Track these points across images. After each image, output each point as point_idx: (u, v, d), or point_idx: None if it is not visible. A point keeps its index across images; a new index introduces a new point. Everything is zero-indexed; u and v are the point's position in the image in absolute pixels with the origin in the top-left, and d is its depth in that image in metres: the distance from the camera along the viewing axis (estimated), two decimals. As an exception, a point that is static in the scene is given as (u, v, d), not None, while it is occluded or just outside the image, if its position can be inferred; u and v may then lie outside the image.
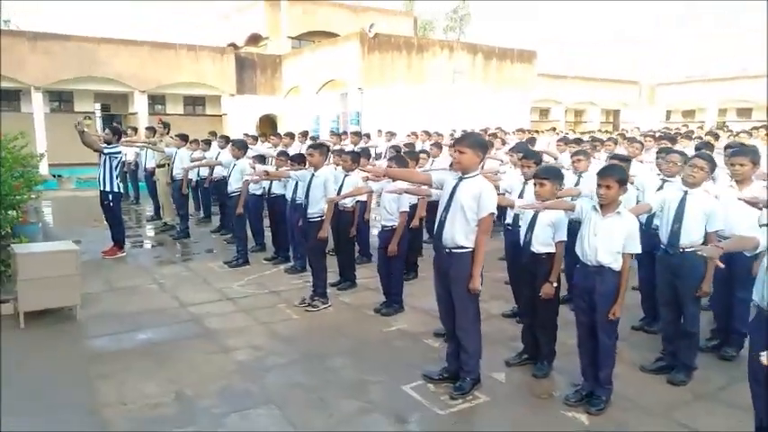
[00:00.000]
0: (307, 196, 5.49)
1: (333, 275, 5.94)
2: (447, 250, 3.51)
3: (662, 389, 3.73)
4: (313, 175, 5.51)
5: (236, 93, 22.19)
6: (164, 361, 4.10)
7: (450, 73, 22.15)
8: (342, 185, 6.18)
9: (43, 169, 14.92)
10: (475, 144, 3.48)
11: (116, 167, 7.43)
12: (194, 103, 23.56)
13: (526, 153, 4.94)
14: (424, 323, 4.99)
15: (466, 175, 3.49)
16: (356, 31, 20.46)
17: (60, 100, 21.26)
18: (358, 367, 4.05)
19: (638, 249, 3.42)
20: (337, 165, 7.39)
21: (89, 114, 20.42)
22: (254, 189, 7.41)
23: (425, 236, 7.24)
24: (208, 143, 10.39)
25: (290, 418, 3.33)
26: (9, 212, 6.69)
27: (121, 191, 7.85)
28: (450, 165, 3.67)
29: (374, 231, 7.10)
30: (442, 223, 3.52)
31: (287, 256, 7.33)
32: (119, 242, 7.61)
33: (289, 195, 6.95)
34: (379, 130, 15.78)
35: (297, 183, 6.51)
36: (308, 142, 11.56)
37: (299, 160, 6.52)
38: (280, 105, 23.46)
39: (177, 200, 9.00)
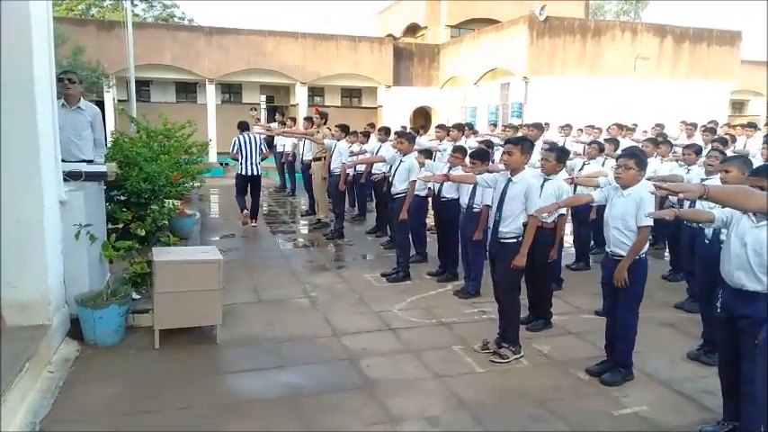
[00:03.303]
0: (499, 209, 4.07)
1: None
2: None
3: None
4: (509, 180, 4.07)
5: (392, 84, 21.56)
6: (312, 426, 3.03)
7: (632, 59, 19.32)
8: (540, 195, 4.71)
9: (212, 157, 15.42)
10: None
11: None
12: (351, 95, 23.45)
13: None
14: (675, 407, 3.37)
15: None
16: (523, 15, 18.55)
17: (230, 92, 22.34)
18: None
19: None
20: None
21: (255, 105, 21.30)
22: (418, 189, 6.24)
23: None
24: (366, 135, 9.53)
25: None
26: (165, 203, 6.31)
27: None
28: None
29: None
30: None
31: (455, 272, 6.07)
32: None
33: (464, 201, 5.67)
34: (547, 123, 13.93)
35: (474, 186, 5.22)
36: (473, 138, 10.22)
37: (482, 158, 5.19)
38: (435, 97, 22.40)
39: (333, 196, 8.23)
